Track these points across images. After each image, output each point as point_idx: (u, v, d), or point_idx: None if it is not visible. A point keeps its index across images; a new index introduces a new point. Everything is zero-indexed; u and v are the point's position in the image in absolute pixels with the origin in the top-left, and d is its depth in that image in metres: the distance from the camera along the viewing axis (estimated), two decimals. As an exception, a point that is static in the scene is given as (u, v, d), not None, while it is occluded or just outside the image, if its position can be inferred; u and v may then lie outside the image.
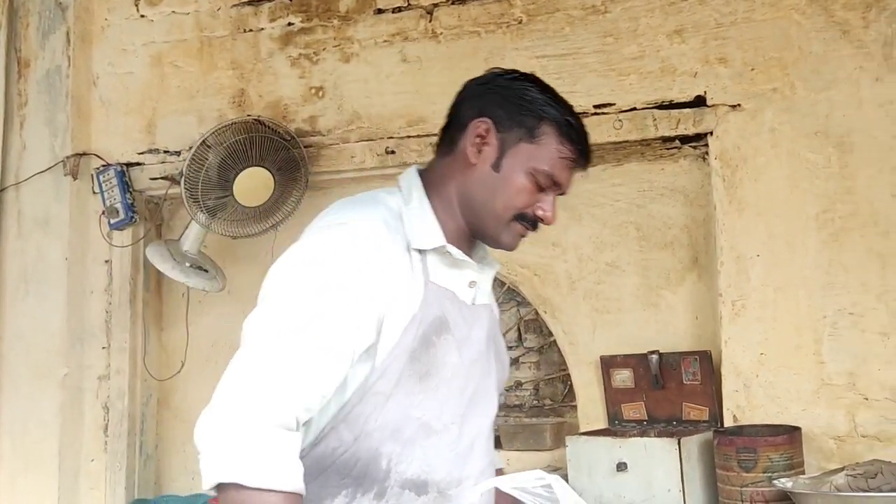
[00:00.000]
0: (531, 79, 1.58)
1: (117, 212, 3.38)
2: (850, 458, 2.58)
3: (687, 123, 2.88)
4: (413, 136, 3.18)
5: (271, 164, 3.15)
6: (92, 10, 3.62)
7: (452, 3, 3.20)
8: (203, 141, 3.15)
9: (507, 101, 1.53)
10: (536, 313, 3.23)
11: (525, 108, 1.51)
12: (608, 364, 3.01)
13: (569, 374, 3.16)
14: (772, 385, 2.72)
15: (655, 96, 2.93)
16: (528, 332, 3.29)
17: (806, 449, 2.57)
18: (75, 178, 3.46)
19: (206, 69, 3.49)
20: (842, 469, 2.39)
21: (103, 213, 3.41)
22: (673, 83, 2.91)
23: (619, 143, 2.96)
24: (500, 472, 1.73)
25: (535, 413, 3.26)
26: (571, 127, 1.53)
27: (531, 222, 1.54)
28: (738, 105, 2.84)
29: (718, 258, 2.82)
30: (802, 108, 2.77)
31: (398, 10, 3.27)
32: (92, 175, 3.47)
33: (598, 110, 2.97)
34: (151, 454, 3.53)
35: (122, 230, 3.43)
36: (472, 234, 1.57)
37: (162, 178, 3.41)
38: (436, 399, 1.45)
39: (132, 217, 3.38)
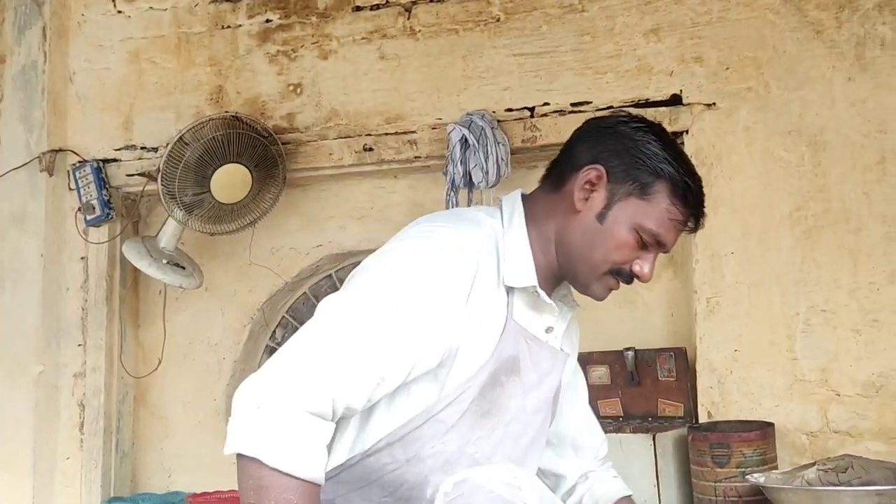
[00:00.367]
0: (656, 131, 1.51)
1: (94, 208, 3.36)
2: (823, 453, 2.61)
3: (663, 122, 2.88)
4: (391, 134, 3.19)
5: (249, 160, 3.15)
6: (68, 5, 3.59)
7: (431, 1, 3.20)
8: (180, 137, 3.13)
9: (626, 152, 1.47)
10: (514, 310, 3.24)
11: (642, 162, 1.46)
12: (584, 361, 2.99)
13: (546, 371, 3.17)
14: (745, 381, 2.75)
15: (632, 94, 2.95)
16: (506, 329, 3.30)
17: (779, 444, 2.60)
18: (51, 175, 3.43)
19: (183, 65, 3.48)
20: (813, 464, 2.42)
21: (79, 209, 3.39)
22: (649, 82, 2.94)
23: (596, 141, 2.97)
24: (627, 500, 1.75)
25: (513, 410, 3.27)
26: (688, 188, 1.47)
27: (626, 278, 1.50)
28: (714, 104, 2.86)
29: (693, 255, 2.85)
30: (776, 106, 2.80)
31: (376, 7, 3.27)
32: (68, 171, 3.45)
33: (575, 108, 2.98)
34: (127, 452, 3.51)
35: (98, 227, 3.41)
36: (561, 275, 1.54)
37: (139, 174, 3.39)
38: (490, 439, 1.44)
39: (109, 214, 3.37)
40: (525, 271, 1.46)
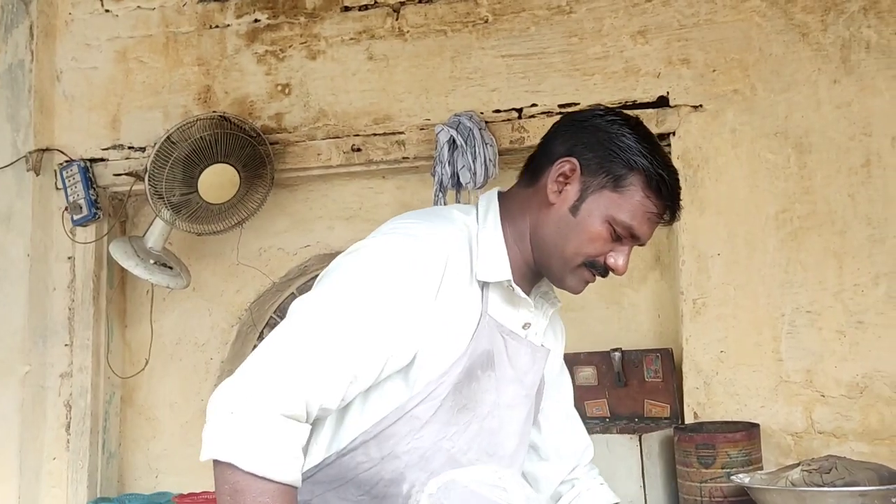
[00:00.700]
0: (631, 124, 1.50)
1: (81, 208, 3.35)
2: (807, 453, 2.63)
3: (650, 123, 2.86)
4: (379, 134, 3.19)
5: (237, 160, 3.14)
6: (55, 4, 3.58)
7: (419, 2, 3.21)
8: (168, 137, 3.13)
9: (600, 145, 1.46)
10: (501, 311, 3.24)
11: (615, 155, 1.45)
12: (572, 361, 3.01)
13: (533, 372, 3.18)
14: (731, 382, 2.77)
15: (619, 96, 2.96)
16: (493, 330, 3.31)
17: (764, 445, 2.62)
18: (38, 174, 3.42)
19: (171, 65, 3.47)
20: (798, 465, 2.44)
21: (66, 209, 3.38)
22: (636, 83, 2.95)
23: (584, 142, 2.98)
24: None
25: (500, 410, 3.28)
26: (662, 181, 1.45)
27: (601, 270, 1.49)
28: (700, 106, 2.88)
29: (680, 257, 2.86)
30: (762, 109, 2.82)
31: (365, 7, 3.27)
32: (55, 171, 3.44)
33: (563, 109, 2.99)
34: (114, 452, 3.50)
35: (85, 226, 3.40)
36: (537, 270, 1.53)
37: (126, 174, 3.39)
38: (466, 434, 1.44)
39: (96, 213, 3.35)
40: (498, 266, 1.46)
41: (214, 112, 3.26)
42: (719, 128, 2.85)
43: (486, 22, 3.13)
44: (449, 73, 3.14)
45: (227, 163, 3.13)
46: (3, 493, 3.27)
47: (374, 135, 3.20)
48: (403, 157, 3.16)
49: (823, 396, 2.69)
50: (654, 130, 2.88)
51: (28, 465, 3.31)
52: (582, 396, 3.02)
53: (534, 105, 3.04)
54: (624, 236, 1.47)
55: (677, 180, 1.49)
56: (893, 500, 2.14)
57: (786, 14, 2.82)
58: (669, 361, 2.89)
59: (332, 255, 3.42)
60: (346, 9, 3.29)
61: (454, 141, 2.94)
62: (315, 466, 1.43)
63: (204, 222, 3.18)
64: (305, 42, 3.33)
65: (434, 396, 1.39)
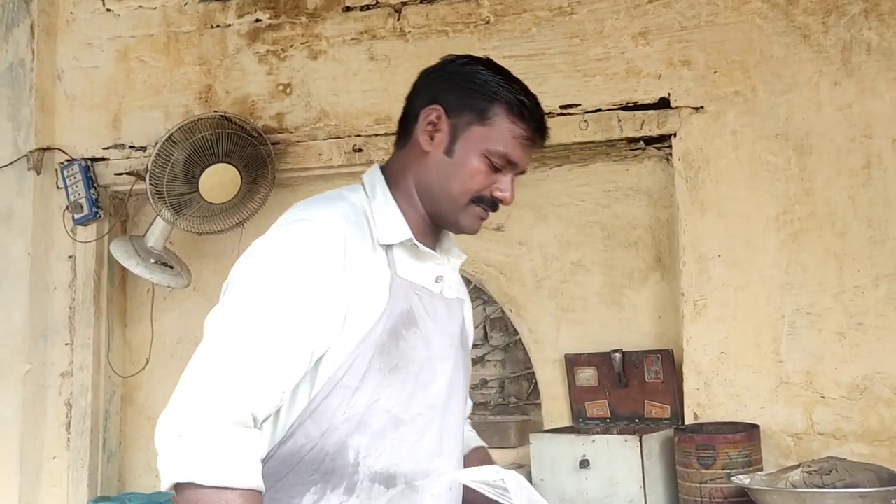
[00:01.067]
0: (483, 62, 1.57)
1: (81, 207, 3.35)
2: (807, 455, 2.63)
3: (651, 125, 2.92)
4: (380, 135, 3.19)
5: (238, 160, 3.15)
6: (57, 3, 3.58)
7: (421, 3, 3.21)
8: (169, 136, 3.13)
9: (457, 86, 1.53)
10: (502, 311, 3.25)
11: (475, 91, 1.51)
12: (572, 362, 3.05)
13: (534, 373, 3.19)
14: (731, 383, 2.77)
15: (620, 97, 2.96)
16: (494, 331, 3.31)
17: (764, 446, 2.62)
18: (39, 173, 3.42)
19: (172, 64, 3.47)
20: (798, 466, 2.44)
21: (67, 208, 3.38)
22: (638, 85, 2.95)
23: (585, 143, 2.99)
24: (482, 449, 1.78)
25: (501, 411, 3.29)
26: (523, 105, 1.52)
27: (490, 204, 1.55)
28: (701, 107, 2.88)
29: (681, 258, 2.86)
30: (763, 110, 2.82)
31: (366, 7, 3.28)
32: (56, 170, 3.44)
33: (564, 111, 3.00)
34: (115, 451, 3.51)
35: (86, 226, 3.40)
36: (434, 223, 1.58)
37: (127, 173, 3.39)
38: (403, 391, 1.46)
39: (96, 212, 3.36)
40: (396, 228, 1.51)
41: (216, 112, 3.26)
42: (720, 129, 2.86)
43: (488, 23, 3.13)
44: (450, 74, 3.14)
45: (228, 162, 3.13)
46: (4, 491, 3.27)
47: (376, 135, 3.20)
48: (404, 158, 3.15)
49: (823, 398, 2.69)
50: (655, 131, 2.92)
51: (28, 463, 3.32)
52: (582, 397, 3.03)
53: (535, 106, 3.03)
54: (502, 165, 1.52)
55: (538, 104, 1.56)
56: (893, 501, 2.15)
57: (787, 16, 2.82)
58: (670, 362, 2.89)
59: (332, 255, 3.46)
60: (348, 9, 3.30)
61: (455, 141, 2.94)
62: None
63: (205, 222, 3.18)
64: (307, 42, 3.33)
65: (359, 363, 1.41)
